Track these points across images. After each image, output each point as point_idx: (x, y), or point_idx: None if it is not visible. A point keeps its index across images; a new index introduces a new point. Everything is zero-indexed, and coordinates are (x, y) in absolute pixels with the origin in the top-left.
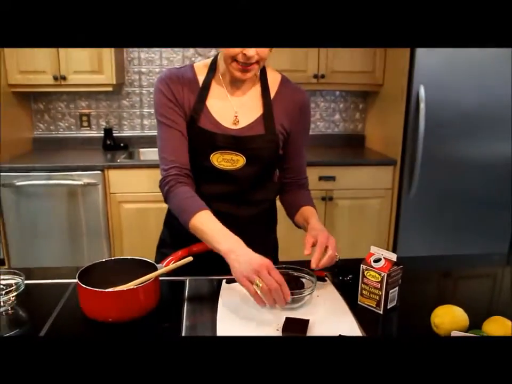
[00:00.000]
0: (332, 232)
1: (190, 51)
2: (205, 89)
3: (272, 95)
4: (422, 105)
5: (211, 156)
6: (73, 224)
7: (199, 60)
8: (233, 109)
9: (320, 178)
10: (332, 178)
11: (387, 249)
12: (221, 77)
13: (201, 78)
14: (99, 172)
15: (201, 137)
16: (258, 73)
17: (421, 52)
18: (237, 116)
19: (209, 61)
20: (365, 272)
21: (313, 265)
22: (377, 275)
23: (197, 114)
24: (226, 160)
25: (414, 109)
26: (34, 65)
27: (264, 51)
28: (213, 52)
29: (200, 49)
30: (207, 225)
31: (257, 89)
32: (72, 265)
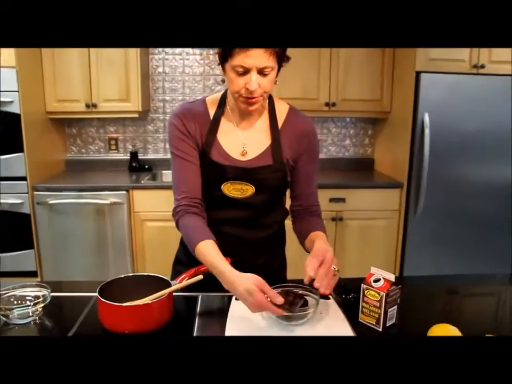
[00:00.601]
0: (342, 252)
1: (210, 80)
2: (215, 123)
3: (280, 124)
4: (427, 131)
5: (222, 186)
6: (100, 239)
7: (218, 89)
8: (242, 141)
9: (331, 200)
10: (342, 200)
11: (394, 268)
12: (230, 111)
13: (212, 112)
14: (124, 192)
15: (213, 169)
16: (266, 104)
17: (425, 81)
18: (245, 148)
19: (219, 95)
20: (365, 292)
21: (310, 272)
22: (376, 294)
23: (209, 147)
24: (237, 190)
25: (420, 135)
26: (69, 94)
27: (266, 85)
28: None
29: (219, 78)
30: (206, 256)
31: (265, 121)
32: (98, 277)
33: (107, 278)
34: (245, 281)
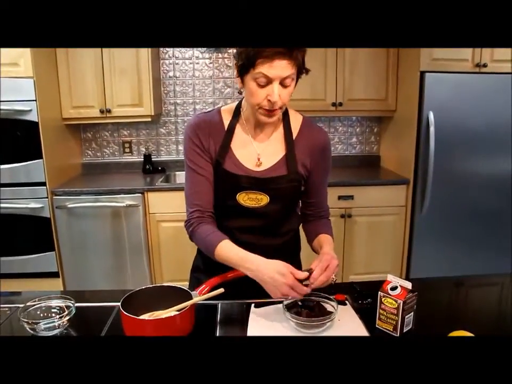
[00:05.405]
0: (350, 247)
1: (220, 83)
2: (229, 133)
3: (294, 135)
4: (432, 129)
5: (237, 196)
6: (117, 240)
7: (227, 91)
8: (256, 151)
9: (340, 197)
10: (351, 197)
11: (401, 263)
12: (244, 122)
13: (226, 122)
14: (140, 194)
15: (227, 179)
16: (281, 116)
17: (429, 81)
18: (259, 158)
19: (234, 105)
20: (383, 299)
21: (311, 280)
22: (393, 302)
23: (222, 158)
24: (251, 199)
25: (425, 132)
26: (84, 101)
27: (286, 97)
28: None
29: (228, 81)
30: (228, 252)
31: (280, 132)
32: (117, 277)
33: (125, 278)
34: (275, 264)
